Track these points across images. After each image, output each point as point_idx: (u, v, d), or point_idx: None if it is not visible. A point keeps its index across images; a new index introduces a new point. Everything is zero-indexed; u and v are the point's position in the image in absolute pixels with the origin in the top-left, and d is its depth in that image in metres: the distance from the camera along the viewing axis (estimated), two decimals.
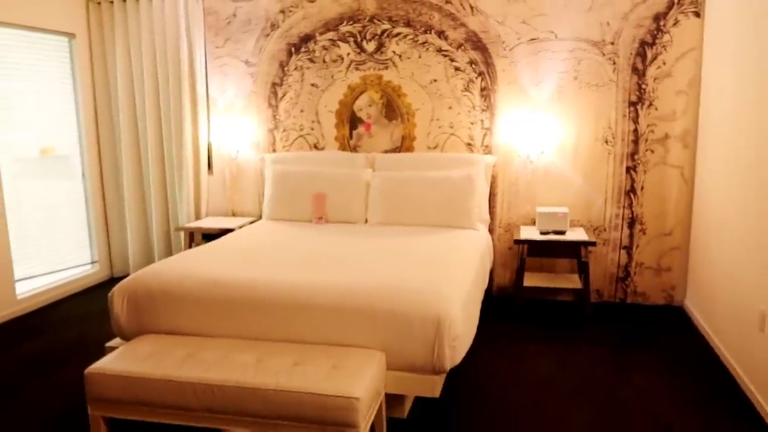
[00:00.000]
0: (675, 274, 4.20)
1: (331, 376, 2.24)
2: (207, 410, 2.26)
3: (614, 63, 4.12)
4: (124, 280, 2.92)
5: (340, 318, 2.54)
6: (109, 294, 2.87)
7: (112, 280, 5.09)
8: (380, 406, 2.42)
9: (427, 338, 2.43)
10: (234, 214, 4.91)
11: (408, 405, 2.76)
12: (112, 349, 2.78)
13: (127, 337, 2.83)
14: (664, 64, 4.05)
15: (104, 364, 2.43)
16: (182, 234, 4.79)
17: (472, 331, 2.80)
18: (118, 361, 2.45)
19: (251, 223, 4.50)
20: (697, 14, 3.95)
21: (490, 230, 4.30)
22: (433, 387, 2.51)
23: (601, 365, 3.34)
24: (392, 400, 2.62)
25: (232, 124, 4.76)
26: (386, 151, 4.52)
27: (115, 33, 4.79)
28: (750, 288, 2.97)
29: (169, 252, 4.97)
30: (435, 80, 4.39)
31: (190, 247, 4.54)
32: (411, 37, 4.37)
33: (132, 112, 4.89)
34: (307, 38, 4.54)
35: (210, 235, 4.43)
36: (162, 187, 4.95)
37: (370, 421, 2.26)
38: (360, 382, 2.19)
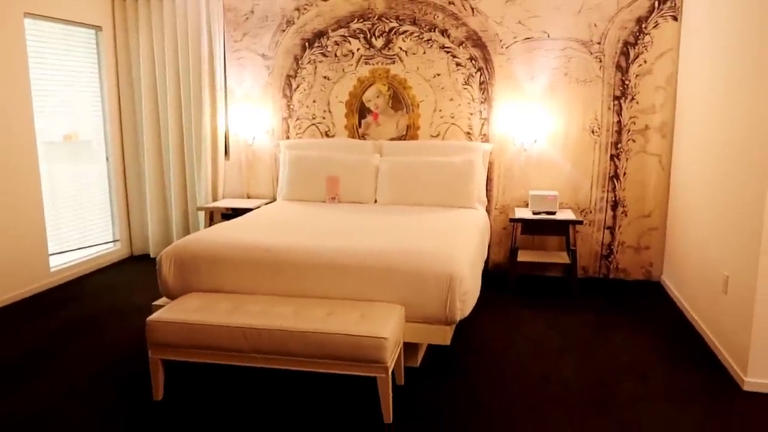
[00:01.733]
0: (653, 252, 4.67)
1: (361, 322, 2.64)
2: (255, 351, 2.64)
3: (601, 61, 4.55)
4: (170, 246, 3.29)
5: (365, 277, 2.94)
6: (158, 258, 3.25)
7: (132, 258, 5.46)
8: (400, 352, 2.83)
9: (441, 293, 2.84)
10: (249, 197, 5.29)
11: (421, 355, 3.18)
12: (159, 307, 3.16)
13: (173, 297, 3.20)
14: (645, 62, 4.50)
15: (161, 314, 2.81)
16: (202, 215, 5.15)
17: (476, 290, 3.21)
18: (173, 312, 2.83)
19: (267, 203, 4.88)
20: (675, 18, 4.40)
21: (487, 211, 4.72)
22: (444, 336, 2.92)
23: (585, 328, 3.78)
24: (407, 351, 3.03)
25: (248, 113, 5.14)
26: (392, 139, 4.92)
27: (139, 26, 5.13)
28: (716, 257, 3.43)
29: (187, 232, 5.33)
30: (438, 74, 4.80)
31: (210, 226, 4.91)
32: (416, 34, 4.78)
33: (154, 101, 5.24)
34: (320, 34, 4.93)
35: (228, 216, 4.80)
36: (181, 172, 5.30)
37: (393, 364, 2.67)
38: (387, 326, 2.60)
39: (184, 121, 5.20)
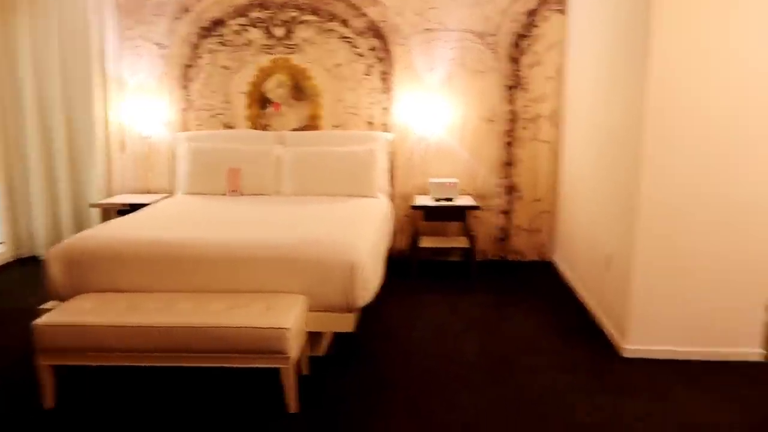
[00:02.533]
0: (545, 234, 4.95)
1: (264, 314, 2.64)
2: (154, 350, 2.57)
3: (495, 52, 4.74)
4: (59, 245, 3.12)
5: (267, 268, 2.93)
6: (44, 258, 3.07)
7: (19, 261, 5.11)
8: (304, 342, 2.85)
9: (343, 281, 2.88)
10: (148, 192, 5.09)
11: (326, 344, 3.21)
12: (47, 311, 2.99)
13: (63, 299, 3.03)
14: (536, 54, 4.73)
15: (50, 317, 2.66)
16: (96, 212, 4.90)
17: (378, 277, 3.29)
18: (63, 314, 2.69)
19: (166, 198, 4.72)
20: (562, 12, 4.65)
21: (391, 200, 4.81)
22: (348, 323, 2.97)
23: (486, 309, 3.96)
24: (313, 340, 3.06)
25: (144, 105, 4.93)
26: (295, 129, 4.90)
27: (18, 12, 4.77)
28: (600, 237, 3.70)
29: (79, 230, 5.05)
30: (339, 64, 4.82)
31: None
32: (317, 24, 4.77)
33: (37, 92, 4.89)
34: (218, 23, 4.81)
35: (125, 212, 4.59)
36: (71, 167, 5.01)
37: (297, 354, 2.68)
38: (288, 316, 2.61)
39: (73, 113, 4.91)
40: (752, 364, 3.13)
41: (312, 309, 2.92)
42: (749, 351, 3.16)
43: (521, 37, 4.71)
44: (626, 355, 3.19)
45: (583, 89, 4.20)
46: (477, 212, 4.80)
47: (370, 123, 4.88)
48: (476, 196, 4.88)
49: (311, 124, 4.91)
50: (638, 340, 3.17)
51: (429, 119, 4.77)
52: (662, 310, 3.14)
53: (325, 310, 2.95)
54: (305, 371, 2.95)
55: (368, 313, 3.65)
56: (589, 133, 4.00)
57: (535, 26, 4.70)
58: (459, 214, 4.64)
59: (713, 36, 2.88)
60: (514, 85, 4.77)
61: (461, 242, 4.73)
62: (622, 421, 2.58)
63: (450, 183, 4.59)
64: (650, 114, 2.96)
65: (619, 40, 3.43)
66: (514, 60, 4.74)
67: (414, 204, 4.56)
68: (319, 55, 4.81)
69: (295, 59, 4.83)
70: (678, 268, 3.09)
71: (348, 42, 4.79)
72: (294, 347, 2.60)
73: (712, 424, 2.57)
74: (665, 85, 2.93)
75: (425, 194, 4.84)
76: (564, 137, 4.71)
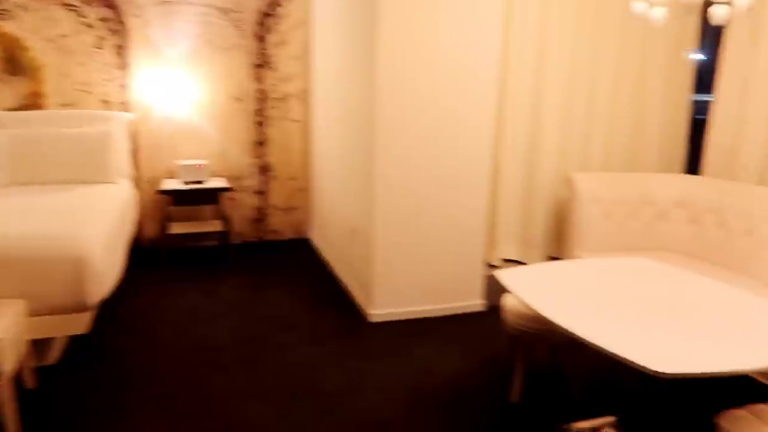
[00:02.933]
0: (301, 212, 5.06)
1: None
2: None
3: (241, 29, 4.63)
4: None
5: None
6: None
7: None
8: (26, 353, 2.50)
9: (70, 278, 2.59)
10: None
11: (57, 350, 2.87)
12: None
13: None
14: (282, 33, 4.74)
15: None
16: None
17: (116, 270, 3.03)
18: None
19: None
20: None
21: (135, 184, 4.45)
22: (81, 324, 2.69)
23: (242, 291, 3.92)
24: (40, 348, 2.71)
25: None
26: (11, 109, 4.24)
27: None
28: (346, 211, 3.88)
29: None
30: (64, 35, 4.27)
31: None
32: None
33: None
34: None
35: None
36: None
37: (15, 369, 2.34)
38: None
39: None
40: (476, 314, 3.59)
41: (35, 313, 2.58)
42: (473, 303, 3.62)
43: (266, 15, 4.67)
44: (373, 320, 3.42)
45: (328, 69, 4.33)
46: (231, 194, 4.70)
47: (105, 102, 4.43)
48: (229, 178, 4.76)
49: (32, 102, 4.29)
50: (382, 305, 3.42)
51: (174, 98, 4.50)
52: (401, 275, 3.42)
53: (51, 313, 2.63)
54: (30, 385, 2.61)
55: (110, 310, 3.36)
56: (335, 113, 4.15)
57: (279, 5, 4.69)
58: (211, 196, 4.49)
59: (427, 28, 3.17)
60: (262, 64, 4.73)
61: (216, 226, 4.59)
62: (368, 384, 2.76)
63: (199, 165, 4.41)
64: (379, 95, 3.16)
65: (354, 22, 3.59)
66: (261, 38, 4.69)
67: (161, 188, 4.29)
68: (37, 23, 4.20)
69: (7, 27, 4.16)
70: (410, 236, 3.39)
71: (73, 10, 4.26)
72: (8, 360, 2.27)
73: (442, 371, 2.89)
74: (391, 69, 3.15)
75: (174, 177, 4.58)
76: (313, 116, 4.83)
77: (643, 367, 1.58)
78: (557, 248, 3.93)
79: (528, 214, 3.91)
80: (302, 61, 4.82)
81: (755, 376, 2.52)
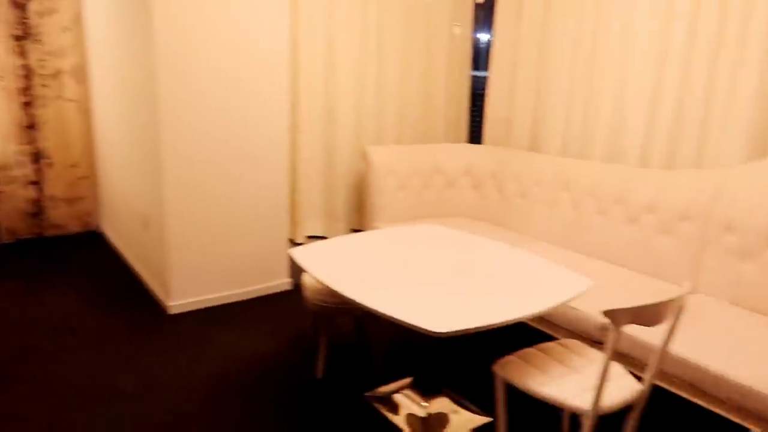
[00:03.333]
0: (88, 202, 4.57)
1: None
2: None
3: None
4: None
5: None
6: None
7: None
8: None
9: None
10: None
11: None
12: None
13: None
14: (47, 0, 4.17)
15: None
16: None
17: None
18: None
19: None
20: None
21: None
22: None
23: (13, 297, 3.43)
24: None
25: None
26: None
27: None
28: (137, 198, 3.57)
29: None
30: None
31: None
32: None
33: None
34: None
35: None
36: None
37: None
38: None
39: None
40: (284, 293, 3.55)
41: None
42: (280, 282, 3.57)
43: None
44: (173, 311, 3.21)
45: (102, 42, 3.91)
46: None
47: None
48: None
49: None
50: (182, 295, 3.23)
51: None
52: (199, 262, 3.25)
53: None
54: None
55: None
56: (115, 91, 3.77)
57: None
58: None
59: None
60: (24, 36, 4.13)
61: None
62: (166, 379, 2.59)
63: None
64: (159, 69, 2.92)
65: None
66: (20, 6, 4.09)
67: None
68: None
69: None
70: (208, 220, 3.23)
71: None
72: None
73: (247, 355, 2.80)
74: (172, 37, 2.92)
75: None
76: (92, 95, 4.36)
77: (422, 329, 1.65)
78: (359, 221, 4.03)
79: (329, 189, 3.95)
80: (75, 33, 4.30)
81: (528, 322, 2.81)
